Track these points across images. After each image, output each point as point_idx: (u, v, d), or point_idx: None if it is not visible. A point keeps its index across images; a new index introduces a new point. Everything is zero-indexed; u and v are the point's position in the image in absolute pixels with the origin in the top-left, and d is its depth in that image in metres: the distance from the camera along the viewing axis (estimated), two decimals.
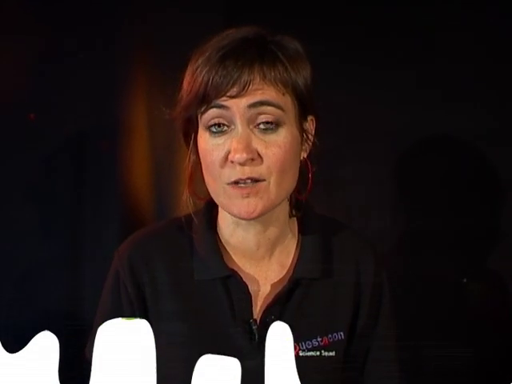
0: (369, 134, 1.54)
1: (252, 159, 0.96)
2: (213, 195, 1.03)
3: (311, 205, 1.13)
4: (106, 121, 1.56)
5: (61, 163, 1.56)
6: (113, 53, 1.54)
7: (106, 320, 1.07)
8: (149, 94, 1.53)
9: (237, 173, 0.97)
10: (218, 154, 0.98)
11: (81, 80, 1.54)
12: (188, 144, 1.06)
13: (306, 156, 1.06)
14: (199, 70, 0.98)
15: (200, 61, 0.99)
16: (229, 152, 0.97)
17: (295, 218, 1.12)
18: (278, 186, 0.98)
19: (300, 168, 1.05)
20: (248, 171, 0.96)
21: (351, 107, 1.52)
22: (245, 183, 0.97)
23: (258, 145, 0.97)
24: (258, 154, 0.97)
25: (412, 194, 1.60)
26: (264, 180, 0.98)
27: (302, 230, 1.11)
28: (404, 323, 1.41)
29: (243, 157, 0.95)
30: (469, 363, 1.50)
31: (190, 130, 1.04)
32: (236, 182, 0.97)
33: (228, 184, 0.98)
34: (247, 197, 0.97)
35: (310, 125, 1.06)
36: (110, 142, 1.56)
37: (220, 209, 1.09)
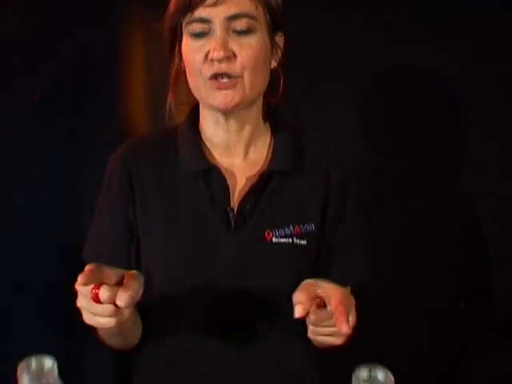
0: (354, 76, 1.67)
1: (228, 57, 1.13)
2: (195, 92, 1.19)
3: (284, 113, 1.28)
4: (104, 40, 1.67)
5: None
6: None
7: (101, 214, 1.20)
8: (146, 10, 1.65)
9: (214, 68, 1.13)
10: (200, 54, 1.14)
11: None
12: (172, 53, 1.22)
13: (276, 65, 1.21)
14: None
15: None
16: (208, 52, 1.13)
17: (268, 124, 1.27)
18: (251, 82, 1.15)
19: (272, 76, 1.20)
20: (224, 67, 1.13)
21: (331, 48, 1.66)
22: (222, 77, 1.13)
23: (233, 45, 1.13)
24: (234, 54, 1.13)
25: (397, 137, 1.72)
26: (239, 76, 1.14)
27: (275, 133, 1.26)
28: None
29: (220, 54, 1.12)
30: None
31: (174, 40, 1.20)
32: (214, 77, 1.13)
33: (208, 79, 1.14)
34: (225, 89, 1.14)
35: (280, 39, 1.22)
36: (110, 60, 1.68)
37: (202, 111, 1.25)
